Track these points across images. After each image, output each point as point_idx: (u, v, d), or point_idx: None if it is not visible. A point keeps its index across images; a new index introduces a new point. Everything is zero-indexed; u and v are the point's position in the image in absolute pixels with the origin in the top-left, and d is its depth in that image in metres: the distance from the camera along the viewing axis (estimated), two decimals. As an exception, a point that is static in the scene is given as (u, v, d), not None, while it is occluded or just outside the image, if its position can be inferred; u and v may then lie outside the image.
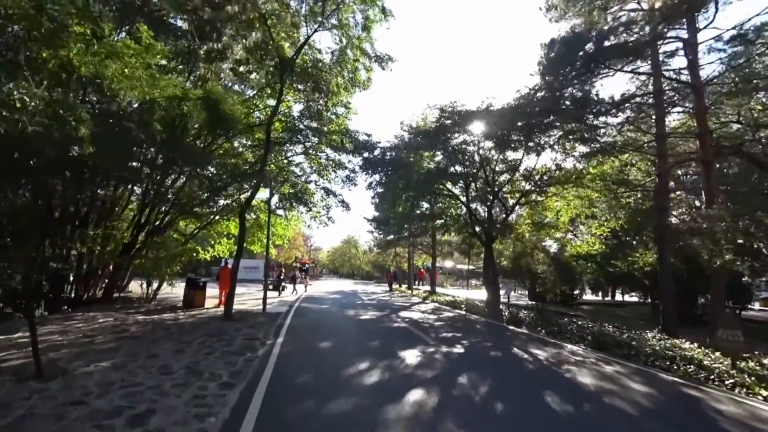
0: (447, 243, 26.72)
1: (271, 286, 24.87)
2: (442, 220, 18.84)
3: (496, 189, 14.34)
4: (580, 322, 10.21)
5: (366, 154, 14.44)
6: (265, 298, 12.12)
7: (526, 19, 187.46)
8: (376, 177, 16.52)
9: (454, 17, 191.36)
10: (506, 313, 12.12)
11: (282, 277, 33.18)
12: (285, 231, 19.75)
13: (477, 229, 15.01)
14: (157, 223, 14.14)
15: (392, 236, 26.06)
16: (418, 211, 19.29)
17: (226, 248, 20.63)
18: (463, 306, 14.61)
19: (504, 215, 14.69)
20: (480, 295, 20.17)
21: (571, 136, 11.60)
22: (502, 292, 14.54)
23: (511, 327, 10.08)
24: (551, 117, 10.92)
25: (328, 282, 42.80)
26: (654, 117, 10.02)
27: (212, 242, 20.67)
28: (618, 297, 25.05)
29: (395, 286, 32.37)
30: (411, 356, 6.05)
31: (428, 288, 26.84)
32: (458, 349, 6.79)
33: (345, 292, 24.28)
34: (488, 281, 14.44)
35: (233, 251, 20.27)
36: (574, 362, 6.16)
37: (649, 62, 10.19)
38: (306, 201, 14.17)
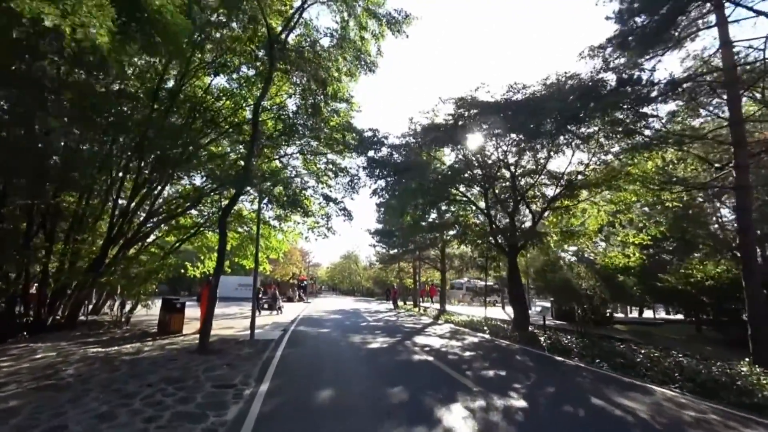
0: (457, 257, 24.78)
1: (265, 305, 22.79)
2: (455, 230, 16.99)
3: (519, 193, 12.57)
4: (636, 348, 8.24)
5: (371, 153, 12.70)
6: (253, 322, 10.13)
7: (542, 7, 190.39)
8: (382, 183, 14.79)
9: (467, 5, 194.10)
10: (542, 337, 10.12)
11: (276, 295, 31.04)
12: (280, 245, 17.78)
13: (499, 238, 13.13)
14: (131, 235, 12.25)
15: (397, 250, 24.09)
16: (428, 220, 17.43)
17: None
18: (485, 328, 12.57)
19: (530, 222, 12.83)
20: (495, 313, 18.02)
21: (611, 128, 9.90)
22: (535, 310, 12.51)
23: (558, 358, 8.08)
24: (592, 104, 9.24)
25: (328, 300, 40.47)
26: (725, 100, 8.36)
27: (202, 257, 18.69)
28: (645, 314, 22.96)
29: (400, 303, 30.24)
30: (456, 419, 4.08)
31: (435, 306, 24.77)
32: (516, 401, 4.81)
33: (346, 311, 22.14)
34: (515, 299, 12.47)
35: (227, 267, 18.31)
36: (695, 422, 4.21)
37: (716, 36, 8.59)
38: (302, 206, 12.31)
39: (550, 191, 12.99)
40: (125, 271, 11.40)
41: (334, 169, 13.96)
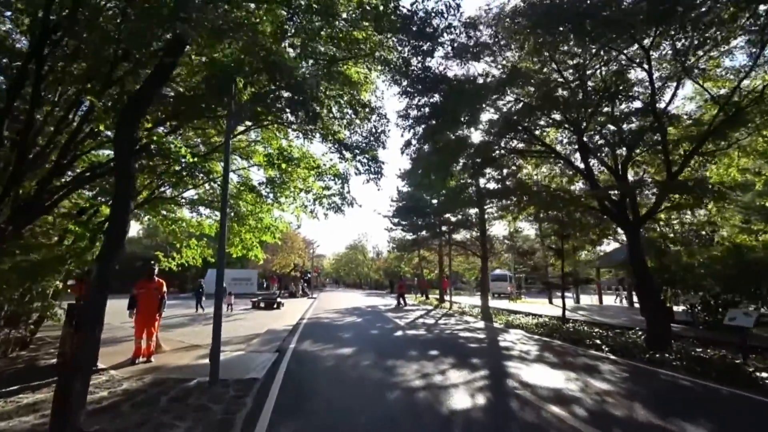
0: (499, 240, 20.12)
1: (262, 304, 18.30)
2: (514, 198, 12.27)
3: (661, 117, 7.78)
4: None
5: (416, 62, 7.91)
6: (216, 344, 5.42)
7: None
8: (418, 131, 10.02)
9: None
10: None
11: (276, 290, 26.67)
12: (276, 225, 12.92)
13: (602, 205, 8.41)
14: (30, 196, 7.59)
15: (423, 233, 19.41)
16: (478, 185, 12.68)
17: (197, 253, 13.53)
18: (598, 342, 7.93)
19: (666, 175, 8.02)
20: (545, 310, 13.05)
21: None
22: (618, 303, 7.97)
23: None
24: None
25: (335, 294, 35.96)
26: None
27: (177, 245, 13.92)
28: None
29: (421, 297, 25.71)
30: None
31: (457, 300, 20.22)
32: None
33: (362, 310, 17.60)
34: (646, 296, 7.78)
35: (211, 257, 13.69)
36: None
37: None
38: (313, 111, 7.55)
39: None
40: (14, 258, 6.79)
41: (351, 101, 9.11)
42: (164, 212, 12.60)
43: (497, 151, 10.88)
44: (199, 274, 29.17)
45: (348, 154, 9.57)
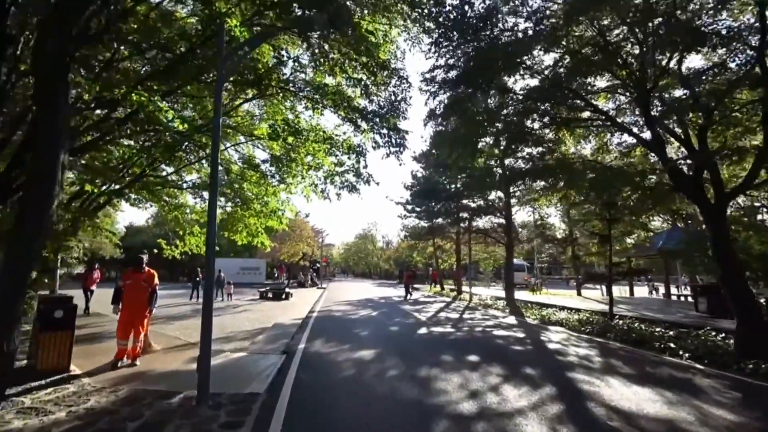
0: (524, 226, 18.58)
1: (270, 294, 17.25)
2: (553, 178, 10.78)
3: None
4: None
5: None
6: (206, 345, 4.17)
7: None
8: (443, 99, 8.58)
9: None
10: None
11: (285, 279, 25.72)
12: (281, 210, 11.62)
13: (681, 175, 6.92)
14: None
15: (441, 219, 18.01)
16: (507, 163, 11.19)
17: (201, 241, 12.35)
18: (670, 344, 6.54)
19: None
20: (581, 303, 11.33)
21: None
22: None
23: None
24: None
25: (345, 285, 34.97)
26: None
27: (180, 232, 12.77)
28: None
29: (436, 288, 24.47)
30: None
31: (476, 292, 18.94)
32: None
33: (375, 301, 16.43)
34: (736, 289, 6.33)
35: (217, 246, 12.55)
36: None
37: None
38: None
39: None
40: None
41: (368, 64, 7.63)
42: (167, 198, 11.55)
43: (536, 121, 9.39)
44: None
45: (364, 125, 8.22)
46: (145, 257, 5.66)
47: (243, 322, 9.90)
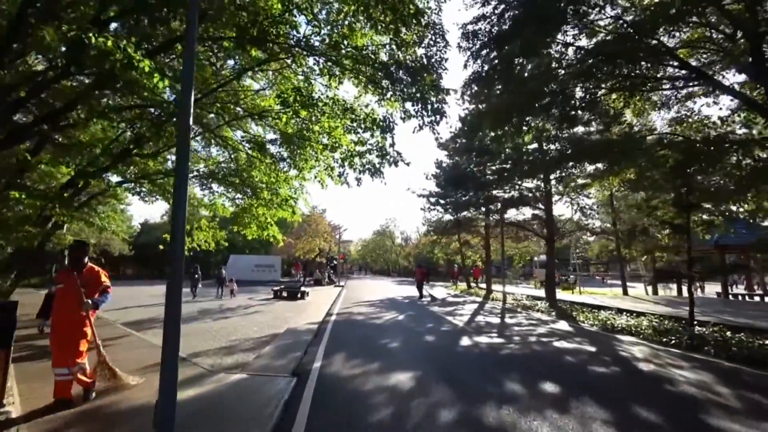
0: (566, 219, 16.66)
1: (284, 293, 16.02)
2: (604, 162, 8.98)
3: None
4: None
5: None
6: (169, 380, 2.79)
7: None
8: (481, 66, 6.96)
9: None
10: None
11: (301, 277, 24.53)
12: (294, 199, 10.21)
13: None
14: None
15: (470, 211, 16.30)
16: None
17: (209, 236, 11.11)
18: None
19: None
20: (630, 304, 9.39)
21: None
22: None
23: None
24: None
25: (364, 283, 33.62)
26: None
27: (188, 227, 11.60)
28: None
29: (462, 286, 22.79)
30: None
31: (498, 288, 17.17)
32: None
33: (398, 301, 14.94)
34: None
35: (224, 241, 11.38)
36: None
37: None
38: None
39: None
40: None
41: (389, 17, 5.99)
42: (171, 189, 10.42)
43: (599, 88, 7.63)
44: (224, 261, 27.55)
45: (391, 90, 6.70)
46: (87, 248, 3.93)
47: (251, 326, 8.63)
